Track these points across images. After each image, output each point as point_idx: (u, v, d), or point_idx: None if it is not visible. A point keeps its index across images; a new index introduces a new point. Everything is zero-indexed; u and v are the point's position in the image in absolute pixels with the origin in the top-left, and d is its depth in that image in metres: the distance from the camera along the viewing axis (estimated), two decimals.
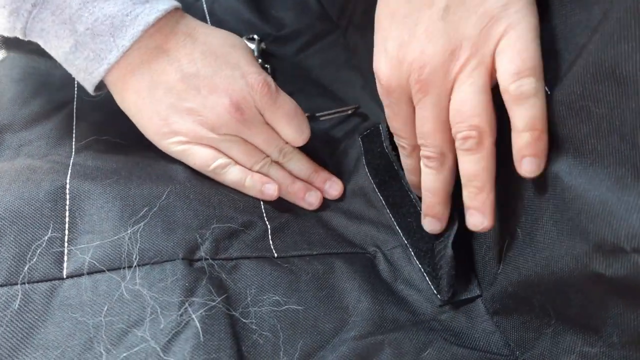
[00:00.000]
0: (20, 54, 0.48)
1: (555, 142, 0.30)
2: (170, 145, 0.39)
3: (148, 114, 0.38)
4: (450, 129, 0.32)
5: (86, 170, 0.38)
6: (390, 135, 0.45)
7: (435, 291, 0.37)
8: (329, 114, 0.48)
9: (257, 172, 0.40)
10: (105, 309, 0.31)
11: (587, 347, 0.29)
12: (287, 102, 0.40)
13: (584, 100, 0.27)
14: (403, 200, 0.41)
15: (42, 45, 0.37)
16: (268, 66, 0.52)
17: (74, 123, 0.43)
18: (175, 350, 0.29)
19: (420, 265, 0.39)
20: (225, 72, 0.38)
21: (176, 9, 0.37)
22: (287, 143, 0.41)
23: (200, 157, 0.39)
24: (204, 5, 0.57)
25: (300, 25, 0.58)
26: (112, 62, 0.36)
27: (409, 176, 0.40)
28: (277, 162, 0.42)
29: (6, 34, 0.36)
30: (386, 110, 0.36)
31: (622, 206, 0.25)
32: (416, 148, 0.36)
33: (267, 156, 0.41)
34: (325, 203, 0.43)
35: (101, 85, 0.38)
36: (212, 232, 0.36)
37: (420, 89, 0.32)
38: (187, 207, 0.37)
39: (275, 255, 0.37)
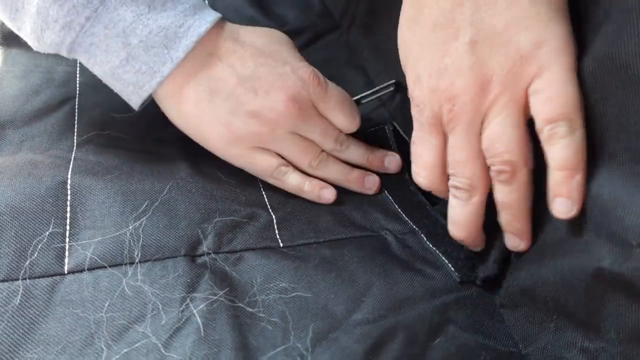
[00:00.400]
0: (22, 51, 0.48)
1: None
2: (234, 152, 0.39)
3: (209, 122, 0.38)
4: (481, 159, 0.32)
5: (87, 165, 0.38)
6: (396, 136, 0.45)
7: (452, 268, 0.36)
8: (367, 95, 0.47)
9: (316, 166, 0.41)
10: (107, 305, 0.30)
11: (587, 343, 0.29)
12: (336, 91, 0.40)
13: (593, 99, 0.27)
14: (410, 200, 0.41)
15: (85, 61, 0.36)
16: None
17: (76, 118, 0.43)
18: (176, 345, 0.29)
19: (434, 248, 0.38)
20: (277, 70, 0.38)
21: (220, 18, 0.38)
22: (341, 132, 0.41)
23: (262, 164, 0.39)
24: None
25: (302, 22, 0.58)
26: (166, 75, 0.36)
27: None
28: (332, 155, 0.42)
29: (49, 51, 0.36)
30: (414, 133, 0.35)
31: (636, 203, 0.25)
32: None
33: (323, 150, 0.41)
34: None
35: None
36: (215, 226, 0.36)
37: (451, 119, 0.32)
38: (190, 201, 0.37)
39: (281, 245, 0.37)
